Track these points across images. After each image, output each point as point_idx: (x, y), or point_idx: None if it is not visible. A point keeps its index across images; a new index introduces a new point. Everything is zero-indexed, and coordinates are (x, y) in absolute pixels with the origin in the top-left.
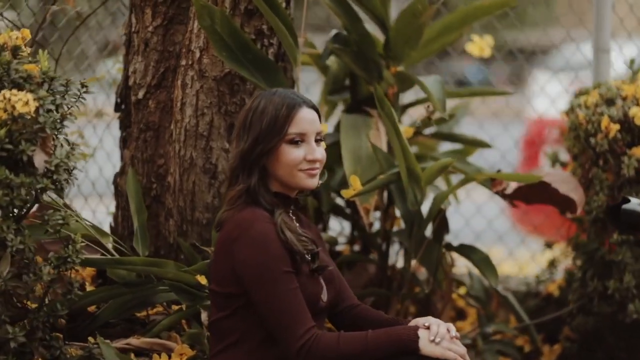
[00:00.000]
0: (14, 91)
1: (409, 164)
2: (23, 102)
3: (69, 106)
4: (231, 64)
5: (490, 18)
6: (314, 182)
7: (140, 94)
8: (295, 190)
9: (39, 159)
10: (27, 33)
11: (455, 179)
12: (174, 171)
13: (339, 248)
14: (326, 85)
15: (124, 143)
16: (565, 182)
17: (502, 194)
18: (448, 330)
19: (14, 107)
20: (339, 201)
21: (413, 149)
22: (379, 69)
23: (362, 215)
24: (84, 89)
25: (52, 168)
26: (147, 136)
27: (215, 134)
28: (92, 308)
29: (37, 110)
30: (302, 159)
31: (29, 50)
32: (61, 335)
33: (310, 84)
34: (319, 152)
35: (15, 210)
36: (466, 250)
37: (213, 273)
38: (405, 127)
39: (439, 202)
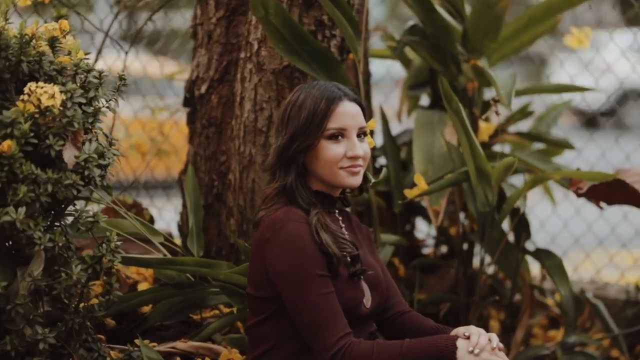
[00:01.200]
0: (40, 83)
1: (478, 163)
2: (49, 94)
3: (107, 99)
4: (288, 57)
5: None
6: (357, 181)
7: (203, 89)
8: (337, 188)
9: (69, 154)
10: (65, 24)
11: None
12: (235, 168)
13: (426, 251)
14: (408, 80)
15: (190, 139)
16: None
17: (577, 193)
18: (490, 341)
19: (39, 100)
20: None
21: (505, 148)
22: (457, 62)
23: (432, 218)
24: (122, 82)
25: (82, 163)
26: (209, 132)
27: (274, 129)
28: (146, 309)
29: (65, 103)
30: (342, 156)
31: (70, 40)
32: (103, 337)
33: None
34: (361, 148)
35: (55, 208)
36: (541, 255)
37: (249, 276)
38: (487, 124)
39: (512, 203)
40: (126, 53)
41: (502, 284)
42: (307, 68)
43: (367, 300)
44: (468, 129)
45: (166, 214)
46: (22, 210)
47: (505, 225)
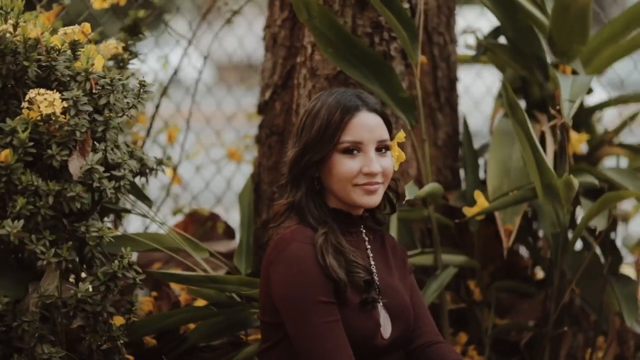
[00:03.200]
0: (42, 90)
1: (547, 180)
2: (48, 102)
3: (128, 107)
4: (338, 63)
5: None
6: (372, 200)
7: (267, 95)
8: (357, 207)
9: (75, 165)
10: (87, 27)
11: None
12: None
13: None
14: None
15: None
16: None
17: None
18: None
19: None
20: None
21: (610, 162)
22: (544, 67)
23: (502, 238)
24: (143, 88)
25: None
26: (272, 141)
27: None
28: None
29: (68, 111)
30: (357, 172)
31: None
32: (131, 358)
33: None
34: (379, 164)
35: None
36: (619, 281)
37: (259, 300)
38: (579, 135)
39: (583, 224)
40: (205, 57)
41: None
42: (357, 74)
43: (386, 330)
44: (534, 142)
45: None
46: (17, 223)
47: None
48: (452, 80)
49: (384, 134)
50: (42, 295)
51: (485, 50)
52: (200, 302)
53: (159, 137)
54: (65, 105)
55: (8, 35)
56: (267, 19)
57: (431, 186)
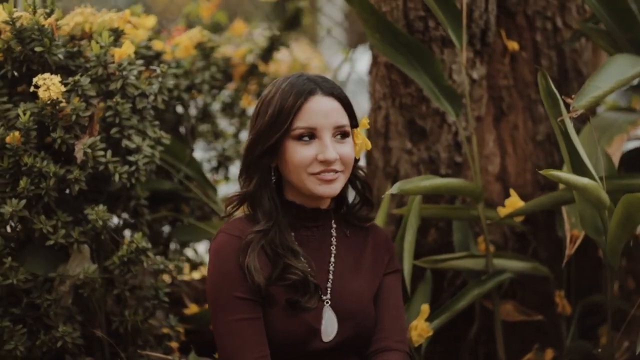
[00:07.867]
0: (46, 75)
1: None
2: (46, 86)
3: (148, 93)
4: (384, 49)
5: None
6: (331, 189)
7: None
8: (317, 199)
9: (80, 149)
10: (128, 15)
11: None
12: None
13: None
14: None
15: None
16: None
17: None
18: None
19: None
20: None
21: None
22: None
23: (567, 244)
24: (161, 74)
25: (83, 157)
26: None
27: (393, 131)
28: None
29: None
30: (311, 159)
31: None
32: (175, 345)
33: None
34: (337, 151)
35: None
36: None
37: None
38: None
39: (614, 230)
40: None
41: None
42: (402, 61)
43: (328, 333)
44: (570, 137)
45: None
46: (16, 202)
47: None
48: (567, 70)
49: (341, 120)
50: (60, 274)
51: (580, 36)
52: None
53: None
54: (64, 89)
55: (23, 22)
56: None
57: (440, 182)
